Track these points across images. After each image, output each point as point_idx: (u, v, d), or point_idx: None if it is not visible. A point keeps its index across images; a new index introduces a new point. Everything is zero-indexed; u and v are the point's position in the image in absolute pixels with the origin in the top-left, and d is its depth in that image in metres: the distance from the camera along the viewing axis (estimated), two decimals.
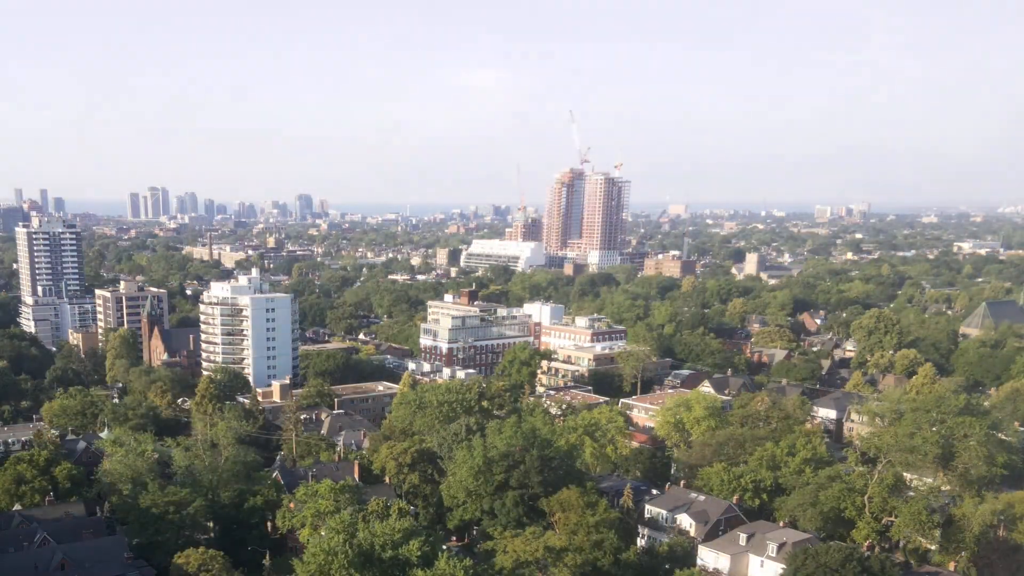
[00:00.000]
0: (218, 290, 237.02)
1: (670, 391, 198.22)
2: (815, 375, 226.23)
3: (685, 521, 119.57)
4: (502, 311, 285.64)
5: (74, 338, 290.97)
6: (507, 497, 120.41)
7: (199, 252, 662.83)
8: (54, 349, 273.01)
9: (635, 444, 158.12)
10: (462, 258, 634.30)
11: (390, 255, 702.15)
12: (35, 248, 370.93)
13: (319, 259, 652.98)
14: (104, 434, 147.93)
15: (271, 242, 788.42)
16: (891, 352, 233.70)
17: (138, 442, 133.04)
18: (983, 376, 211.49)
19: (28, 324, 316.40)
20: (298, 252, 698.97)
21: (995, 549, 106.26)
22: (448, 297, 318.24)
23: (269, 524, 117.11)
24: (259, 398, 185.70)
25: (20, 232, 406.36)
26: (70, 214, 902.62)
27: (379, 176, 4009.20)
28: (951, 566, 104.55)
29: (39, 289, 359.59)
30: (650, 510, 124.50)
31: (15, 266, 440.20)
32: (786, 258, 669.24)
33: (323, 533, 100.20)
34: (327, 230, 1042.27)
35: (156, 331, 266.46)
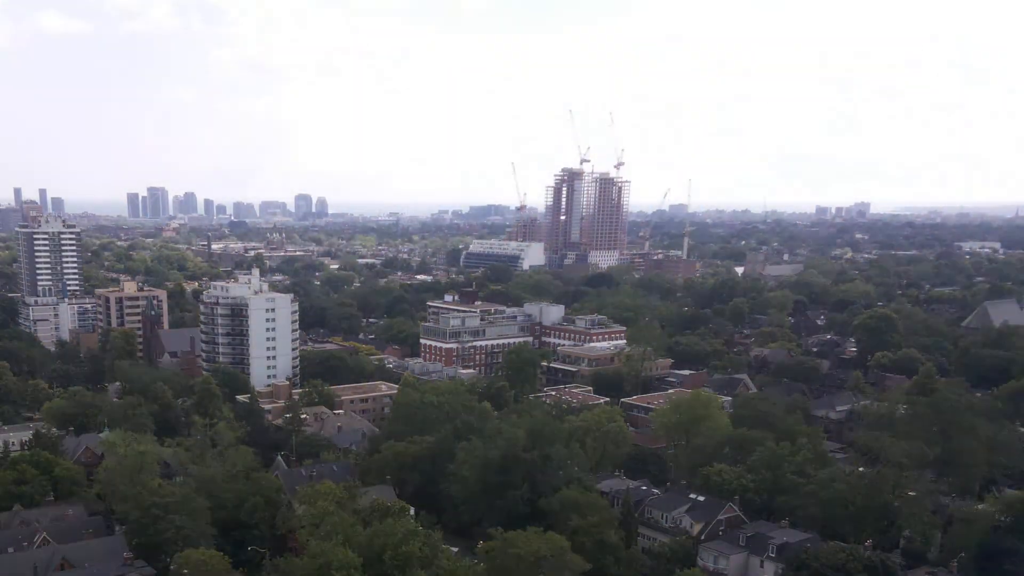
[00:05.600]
0: (218, 290, 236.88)
1: (670, 391, 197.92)
2: (815, 375, 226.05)
3: (685, 521, 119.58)
4: (502, 311, 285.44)
5: (73, 338, 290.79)
6: (508, 497, 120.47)
7: (198, 252, 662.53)
8: (54, 349, 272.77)
9: (635, 444, 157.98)
10: (462, 258, 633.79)
11: (390, 255, 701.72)
12: (35, 248, 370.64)
13: (318, 259, 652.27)
14: (104, 434, 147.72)
15: (271, 242, 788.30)
16: (891, 352, 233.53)
17: (138, 442, 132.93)
18: (984, 376, 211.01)
19: (28, 324, 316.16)
20: (297, 252, 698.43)
21: (995, 549, 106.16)
22: (448, 297, 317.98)
23: (269, 524, 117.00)
24: (259, 398, 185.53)
25: (20, 232, 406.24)
26: (68, 214, 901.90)
27: (379, 175, 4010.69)
28: (951, 566, 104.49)
29: (39, 289, 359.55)
30: (650, 510, 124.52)
31: (15, 266, 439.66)
32: (786, 258, 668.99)
33: (323, 534, 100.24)
34: (326, 230, 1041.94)
35: (155, 331, 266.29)
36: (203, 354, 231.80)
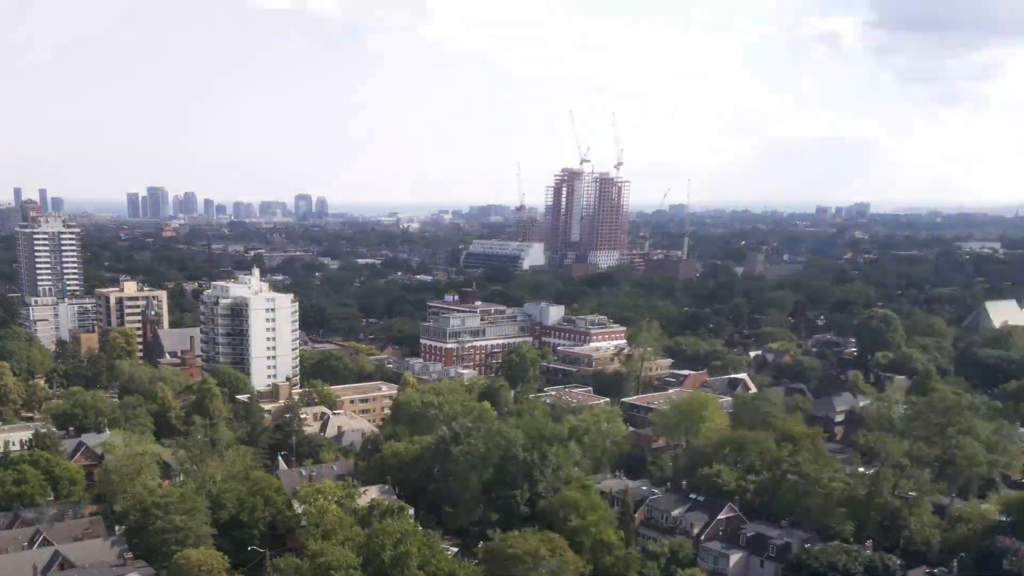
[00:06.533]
0: (218, 290, 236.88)
1: (670, 391, 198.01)
2: (815, 375, 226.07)
3: (685, 521, 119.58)
4: (502, 311, 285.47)
5: (73, 338, 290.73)
6: (508, 497, 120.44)
7: (198, 252, 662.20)
8: (54, 349, 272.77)
9: (635, 444, 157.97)
10: (462, 258, 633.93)
11: (390, 255, 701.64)
12: (35, 248, 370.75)
13: (318, 259, 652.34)
14: (104, 434, 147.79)
15: (271, 242, 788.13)
16: (891, 352, 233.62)
17: (138, 442, 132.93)
18: (984, 376, 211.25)
19: (28, 324, 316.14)
20: (298, 252, 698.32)
21: (995, 549, 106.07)
22: (448, 297, 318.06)
23: (269, 524, 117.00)
24: (259, 398, 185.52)
25: (20, 232, 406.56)
26: (68, 214, 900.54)
27: (378, 176, 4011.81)
28: (951, 566, 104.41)
29: (39, 289, 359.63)
30: (650, 510, 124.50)
31: (15, 266, 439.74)
32: (786, 258, 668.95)
33: (322, 533, 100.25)
34: (326, 230, 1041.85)
35: (155, 331, 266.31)
36: (203, 354, 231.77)
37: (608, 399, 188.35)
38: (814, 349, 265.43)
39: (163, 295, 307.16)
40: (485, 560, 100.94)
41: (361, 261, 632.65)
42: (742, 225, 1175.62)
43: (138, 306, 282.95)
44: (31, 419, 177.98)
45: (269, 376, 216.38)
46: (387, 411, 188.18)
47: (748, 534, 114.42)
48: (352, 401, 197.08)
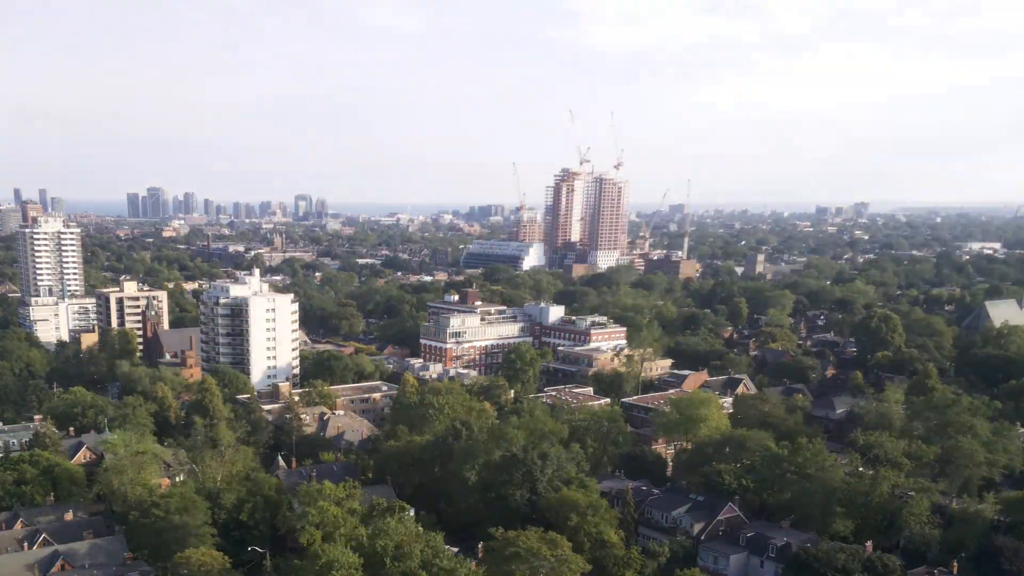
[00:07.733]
0: (218, 290, 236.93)
1: (670, 391, 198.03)
2: (816, 375, 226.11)
3: (685, 521, 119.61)
4: (502, 311, 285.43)
5: (73, 338, 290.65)
6: (508, 497, 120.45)
7: (198, 252, 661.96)
8: (54, 349, 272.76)
9: (635, 444, 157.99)
10: (462, 258, 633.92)
11: (390, 255, 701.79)
12: (35, 248, 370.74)
13: (318, 259, 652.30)
14: (104, 434, 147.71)
15: (270, 242, 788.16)
16: (891, 352, 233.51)
17: (138, 442, 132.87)
18: (984, 376, 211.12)
19: (28, 324, 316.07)
20: (297, 252, 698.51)
21: (995, 549, 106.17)
22: (448, 297, 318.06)
23: (269, 524, 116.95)
24: (259, 398, 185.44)
25: (20, 232, 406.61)
26: (68, 214, 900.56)
27: (379, 176, 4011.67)
28: (952, 566, 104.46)
29: (39, 289, 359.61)
30: (650, 510, 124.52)
31: (15, 266, 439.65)
32: (787, 258, 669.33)
33: (324, 534, 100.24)
34: (327, 230, 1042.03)
35: (155, 331, 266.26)
36: (203, 354, 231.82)
37: (608, 399, 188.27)
38: (814, 349, 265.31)
39: (163, 295, 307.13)
40: (486, 559, 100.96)
41: (361, 261, 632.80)
42: (742, 225, 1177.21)
43: (138, 306, 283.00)
44: (32, 419, 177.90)
45: (269, 376, 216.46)
46: (387, 411, 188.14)
47: (748, 534, 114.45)
48: (352, 401, 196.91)
